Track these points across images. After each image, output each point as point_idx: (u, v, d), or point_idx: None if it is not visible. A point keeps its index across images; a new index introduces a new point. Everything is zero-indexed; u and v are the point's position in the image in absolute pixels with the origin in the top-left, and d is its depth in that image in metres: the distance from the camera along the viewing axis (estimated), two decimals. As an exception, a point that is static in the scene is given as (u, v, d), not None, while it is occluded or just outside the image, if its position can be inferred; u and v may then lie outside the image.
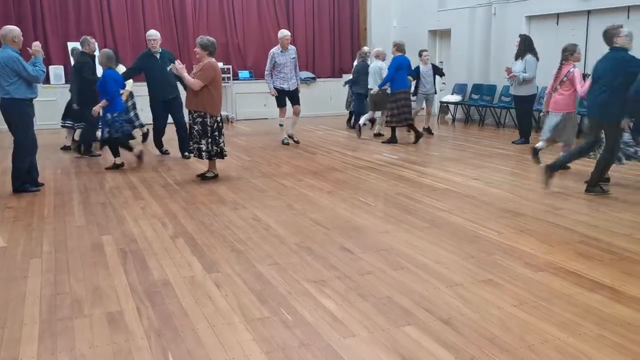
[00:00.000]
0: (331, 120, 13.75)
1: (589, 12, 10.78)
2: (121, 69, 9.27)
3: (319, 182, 7.18)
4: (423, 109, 11.50)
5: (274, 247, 4.71)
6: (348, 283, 3.93)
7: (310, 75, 15.13)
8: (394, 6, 15.56)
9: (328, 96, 14.78)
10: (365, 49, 12.16)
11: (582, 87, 6.96)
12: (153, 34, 9.01)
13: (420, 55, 11.37)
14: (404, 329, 3.25)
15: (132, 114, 9.64)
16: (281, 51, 9.89)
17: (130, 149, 8.15)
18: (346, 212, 5.75)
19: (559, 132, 7.40)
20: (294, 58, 10.01)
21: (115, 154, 8.15)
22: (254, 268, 4.24)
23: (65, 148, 9.89)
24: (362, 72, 11.29)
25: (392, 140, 10.29)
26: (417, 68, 11.17)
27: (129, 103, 9.60)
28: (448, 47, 14.10)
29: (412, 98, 10.71)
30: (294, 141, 10.26)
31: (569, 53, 7.40)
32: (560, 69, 7.37)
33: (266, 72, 10.04)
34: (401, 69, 10.08)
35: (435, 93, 11.49)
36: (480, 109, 12.92)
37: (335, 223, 5.38)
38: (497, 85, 12.58)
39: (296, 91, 10.17)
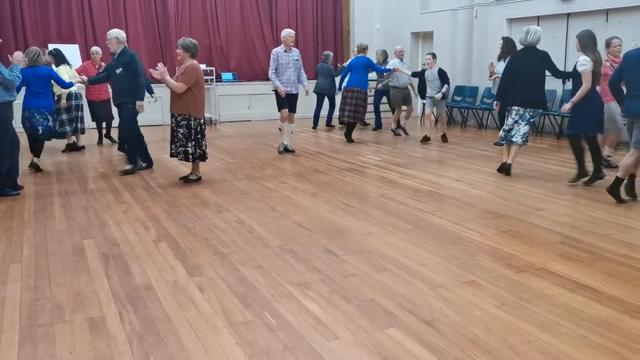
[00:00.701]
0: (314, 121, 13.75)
1: (568, 14, 10.93)
2: (63, 69, 9.22)
3: (302, 184, 7.18)
4: (432, 113, 11.21)
5: (257, 250, 4.69)
6: (332, 285, 3.93)
7: (294, 77, 15.13)
8: (376, 8, 15.63)
9: (311, 98, 14.75)
10: (327, 52, 13.12)
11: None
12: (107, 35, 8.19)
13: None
14: (387, 331, 3.26)
15: (64, 116, 9.43)
16: (285, 51, 9.34)
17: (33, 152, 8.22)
18: (329, 214, 5.76)
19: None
20: (297, 60, 9.42)
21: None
22: (238, 271, 4.22)
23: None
24: (320, 73, 12.54)
25: (348, 137, 10.83)
26: (423, 71, 11.06)
27: (62, 104, 9.35)
28: (431, 49, 14.16)
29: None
30: (290, 150, 9.59)
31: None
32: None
33: (270, 72, 9.35)
34: (355, 69, 10.67)
35: (444, 98, 10.92)
36: (462, 110, 13.02)
37: (318, 225, 5.38)
38: (479, 87, 12.70)
39: (296, 97, 9.54)
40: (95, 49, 10.59)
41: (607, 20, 10.17)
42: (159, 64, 7.14)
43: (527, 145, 7.81)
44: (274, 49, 9.53)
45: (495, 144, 9.79)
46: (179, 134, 7.06)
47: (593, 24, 10.02)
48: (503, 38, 10.24)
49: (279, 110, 9.50)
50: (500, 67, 9.94)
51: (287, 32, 9.52)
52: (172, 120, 7.15)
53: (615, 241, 4.80)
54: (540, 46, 7.45)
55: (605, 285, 3.86)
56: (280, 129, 9.73)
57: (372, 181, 7.40)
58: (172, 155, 7.24)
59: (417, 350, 3.03)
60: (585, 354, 2.97)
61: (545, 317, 3.40)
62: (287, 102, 9.40)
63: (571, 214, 5.68)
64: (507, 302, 3.63)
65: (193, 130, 7.05)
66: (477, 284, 3.94)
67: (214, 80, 14.04)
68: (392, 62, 11.52)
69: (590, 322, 3.33)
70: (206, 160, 7.40)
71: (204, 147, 7.22)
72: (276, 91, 9.33)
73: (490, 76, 10.33)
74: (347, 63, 11.66)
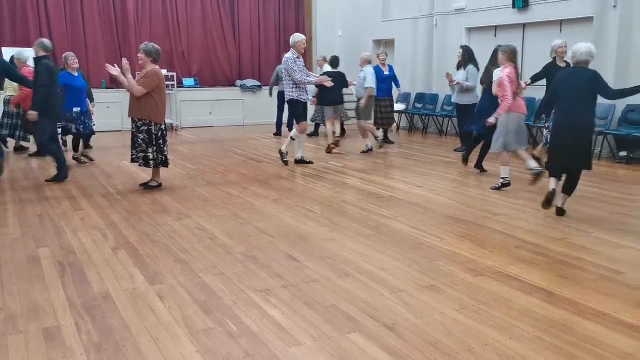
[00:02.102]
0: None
1: (524, 25, 11.23)
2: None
3: (265, 190, 7.16)
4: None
5: (219, 257, 4.66)
6: (294, 292, 3.93)
7: (256, 83, 15.09)
8: (339, 15, 15.75)
9: (274, 104, 14.75)
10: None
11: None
12: None
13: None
14: (349, 336, 3.28)
15: (5, 120, 9.64)
16: (297, 57, 8.67)
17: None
18: (292, 221, 5.75)
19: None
20: (304, 67, 8.89)
21: None
22: (199, 278, 4.18)
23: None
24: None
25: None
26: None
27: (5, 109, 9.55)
28: (392, 56, 14.35)
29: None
30: (283, 161, 8.94)
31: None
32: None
33: (303, 77, 8.59)
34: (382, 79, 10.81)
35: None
36: (423, 117, 13.21)
37: (281, 231, 5.37)
38: (440, 94, 12.91)
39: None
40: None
41: (560, 31, 10.49)
42: (123, 59, 7.03)
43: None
44: (286, 55, 8.73)
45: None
46: (139, 140, 6.95)
47: (547, 34, 10.35)
48: (462, 47, 10.45)
49: (299, 122, 8.77)
50: (460, 75, 10.16)
51: (302, 38, 8.78)
52: (132, 126, 7.04)
53: (569, 245, 4.94)
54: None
55: (560, 288, 3.96)
56: (292, 138, 8.91)
57: (334, 187, 7.43)
58: (132, 160, 7.13)
59: (378, 355, 3.06)
60: (541, 355, 3.05)
61: (503, 320, 3.47)
62: (305, 112, 8.92)
63: (527, 218, 5.82)
64: (466, 305, 3.69)
65: (154, 136, 6.96)
66: (437, 288, 4.00)
67: (175, 85, 13.88)
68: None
69: (545, 324, 3.41)
70: (168, 166, 7.31)
71: (165, 153, 7.13)
72: (299, 101, 8.72)
73: (451, 84, 10.43)
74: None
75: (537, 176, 6.74)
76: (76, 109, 8.74)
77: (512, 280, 4.12)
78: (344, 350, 3.11)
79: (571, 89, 5.67)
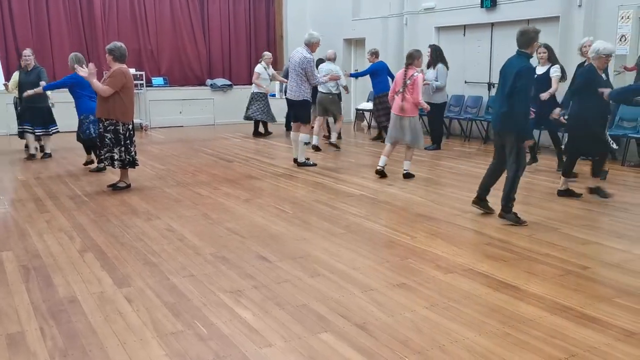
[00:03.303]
0: (249, 127, 13.63)
1: (492, 24, 11.37)
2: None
3: (235, 190, 7.11)
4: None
5: (188, 258, 4.60)
6: (265, 292, 3.90)
7: (227, 82, 14.98)
8: (309, 14, 15.71)
9: (245, 103, 14.66)
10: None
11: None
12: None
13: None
14: (320, 336, 3.27)
15: None
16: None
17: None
18: (263, 220, 5.72)
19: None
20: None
21: None
22: (168, 280, 4.12)
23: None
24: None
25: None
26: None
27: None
28: (363, 55, 14.38)
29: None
30: (311, 165, 8.75)
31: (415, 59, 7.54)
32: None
33: (318, 79, 8.68)
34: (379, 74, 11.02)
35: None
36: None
37: (251, 232, 5.33)
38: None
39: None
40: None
41: (528, 30, 10.65)
42: (90, 63, 6.92)
43: (455, 150, 8.02)
44: (304, 54, 8.34)
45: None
46: (106, 140, 6.83)
47: (515, 33, 10.48)
48: (430, 46, 10.53)
49: (307, 123, 8.73)
50: (430, 74, 10.23)
51: (319, 37, 8.55)
52: (99, 125, 6.92)
53: (535, 241, 5.02)
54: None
55: (527, 284, 4.02)
56: (306, 143, 8.85)
57: (305, 186, 7.42)
58: (99, 161, 7.00)
59: (349, 354, 3.06)
60: (509, 351, 3.08)
61: (472, 316, 3.51)
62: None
63: (496, 216, 5.88)
64: (437, 302, 3.71)
65: (121, 136, 6.85)
66: (408, 286, 4.01)
67: (144, 84, 13.69)
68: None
69: (514, 320, 3.46)
70: (136, 166, 7.20)
71: (133, 153, 7.02)
72: (309, 101, 8.61)
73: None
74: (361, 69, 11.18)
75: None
76: None
77: (481, 277, 4.16)
78: (314, 350, 3.10)
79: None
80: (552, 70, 7.92)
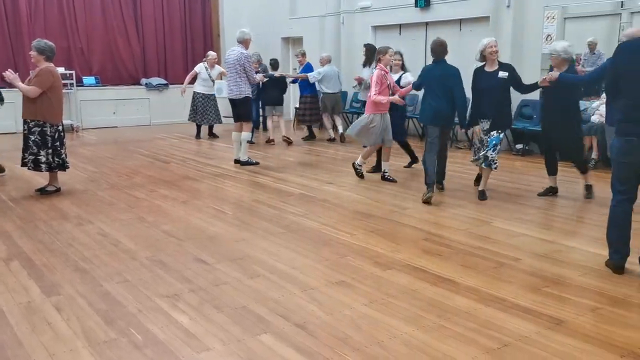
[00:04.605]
0: (186, 127, 13.39)
1: (427, 23, 11.61)
2: None
3: (172, 192, 6.95)
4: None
5: (123, 263, 4.45)
6: (202, 295, 3.83)
7: (163, 81, 14.64)
8: (246, 12, 15.56)
9: (182, 103, 14.38)
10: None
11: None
12: None
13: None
14: (259, 337, 3.23)
15: None
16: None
17: None
18: (201, 222, 5.62)
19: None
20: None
21: None
22: (101, 287, 3.97)
23: None
24: None
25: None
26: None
27: None
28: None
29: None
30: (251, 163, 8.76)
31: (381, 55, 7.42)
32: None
33: (256, 77, 9.04)
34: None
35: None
36: (345, 114, 13.33)
37: (189, 234, 5.22)
38: (348, 91, 13.09)
39: (233, 103, 8.74)
40: None
41: (460, 29, 10.95)
42: (8, 70, 6.59)
43: (394, 148, 8.08)
44: (242, 52, 8.40)
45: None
46: (30, 142, 6.53)
47: (448, 32, 10.75)
48: (365, 45, 10.64)
49: (250, 120, 8.92)
50: (366, 73, 10.32)
51: (250, 32, 8.71)
52: (24, 127, 6.60)
53: (471, 235, 5.15)
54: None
55: (463, 277, 4.12)
56: (251, 142, 9.09)
57: (244, 186, 7.34)
58: (23, 164, 6.67)
59: (288, 354, 3.03)
60: (446, 344, 3.14)
61: (410, 311, 3.56)
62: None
63: (433, 211, 6.02)
64: (375, 299, 3.75)
65: (49, 138, 6.56)
66: (347, 283, 4.03)
67: (74, 84, 13.18)
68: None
69: (450, 313, 3.53)
70: (66, 169, 6.91)
71: (63, 156, 6.74)
72: (250, 98, 8.79)
73: (360, 85, 10.53)
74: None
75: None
76: None
77: (419, 272, 4.23)
78: (254, 352, 3.06)
79: None
80: (404, 76, 7.90)
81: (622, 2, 8.73)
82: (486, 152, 6.41)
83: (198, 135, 11.91)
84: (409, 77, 7.85)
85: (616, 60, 4.15)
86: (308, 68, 11.33)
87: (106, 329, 3.33)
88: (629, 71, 3.96)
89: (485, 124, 6.43)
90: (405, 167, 8.40)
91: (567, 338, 3.20)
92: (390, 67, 7.78)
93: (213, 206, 6.25)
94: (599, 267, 4.29)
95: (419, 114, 7.56)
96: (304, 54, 11.62)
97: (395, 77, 7.80)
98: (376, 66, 7.43)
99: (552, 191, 6.61)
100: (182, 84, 12.20)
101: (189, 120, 11.97)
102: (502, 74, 6.32)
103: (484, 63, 6.46)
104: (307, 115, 11.43)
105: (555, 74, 6.05)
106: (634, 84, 3.93)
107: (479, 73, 6.48)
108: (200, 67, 11.79)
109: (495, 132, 6.39)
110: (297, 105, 11.54)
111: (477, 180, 6.92)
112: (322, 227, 5.45)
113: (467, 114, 6.71)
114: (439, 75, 6.58)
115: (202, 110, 11.71)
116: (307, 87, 11.33)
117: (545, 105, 6.54)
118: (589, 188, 6.52)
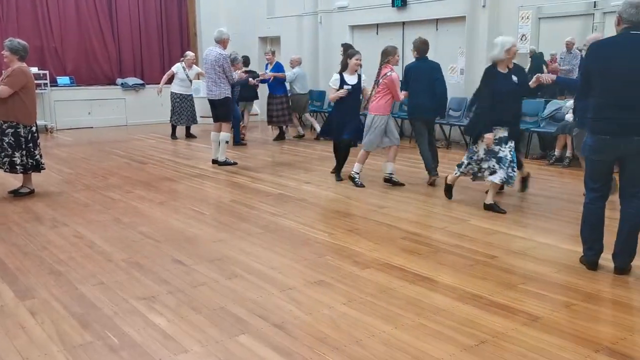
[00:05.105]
0: (163, 128, 13.27)
1: (404, 23, 11.68)
2: None
3: (149, 193, 6.88)
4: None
5: (99, 266, 4.40)
6: (180, 297, 3.80)
7: (139, 81, 14.49)
8: (223, 12, 15.45)
9: (159, 103, 14.24)
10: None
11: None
12: None
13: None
14: (237, 338, 3.21)
15: None
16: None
17: None
18: (179, 223, 5.57)
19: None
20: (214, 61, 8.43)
21: None
22: (76, 290, 3.92)
23: None
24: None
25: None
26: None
27: None
28: (279, 54, 14.36)
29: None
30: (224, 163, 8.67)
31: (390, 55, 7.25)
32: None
33: (235, 76, 8.80)
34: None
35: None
36: (311, 114, 13.33)
37: (166, 235, 5.18)
38: (326, 91, 13.09)
39: (213, 104, 8.62)
40: None
41: (437, 29, 11.03)
42: None
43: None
44: (220, 52, 8.30)
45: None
46: (4, 143, 6.40)
47: (425, 32, 10.82)
48: (342, 45, 10.64)
49: (230, 121, 8.78)
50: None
51: (227, 32, 8.58)
52: (-3, 129, 6.48)
53: (448, 233, 5.20)
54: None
55: (440, 275, 4.15)
56: (227, 142, 8.83)
57: (222, 187, 7.30)
58: (-1, 166, 6.55)
59: (267, 355, 3.03)
60: (424, 342, 3.16)
61: (388, 310, 3.57)
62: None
63: (411, 210, 6.05)
64: (354, 298, 3.76)
65: (23, 139, 6.45)
66: (325, 283, 4.03)
67: (48, 84, 12.97)
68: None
69: (428, 311, 3.55)
70: (41, 171, 6.80)
71: (37, 157, 6.63)
72: (230, 98, 8.70)
73: None
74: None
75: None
76: None
77: (397, 271, 4.25)
78: (232, 353, 3.05)
79: None
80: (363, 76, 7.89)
81: (595, 2, 8.88)
82: (506, 169, 5.72)
83: (174, 135, 11.80)
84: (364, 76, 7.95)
85: (588, 59, 4.22)
86: (278, 67, 11.31)
87: (82, 332, 3.29)
88: (600, 70, 4.03)
89: (500, 132, 5.74)
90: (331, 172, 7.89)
91: (542, 334, 3.25)
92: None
93: (191, 207, 6.21)
94: (574, 263, 4.36)
95: (408, 110, 7.81)
96: (273, 53, 11.62)
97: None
98: (384, 67, 7.06)
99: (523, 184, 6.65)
100: (159, 83, 12.09)
101: (170, 121, 11.84)
102: (514, 78, 5.78)
103: (493, 63, 5.84)
104: (280, 115, 11.35)
105: (552, 76, 5.92)
106: (606, 83, 4.00)
107: (495, 74, 5.75)
108: (177, 67, 11.68)
109: (511, 143, 5.78)
110: (268, 106, 11.44)
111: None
112: (300, 226, 5.44)
113: (475, 119, 6.08)
114: (425, 69, 7.09)
115: (179, 111, 11.61)
116: (278, 88, 11.22)
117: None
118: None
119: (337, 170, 7.58)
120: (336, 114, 7.41)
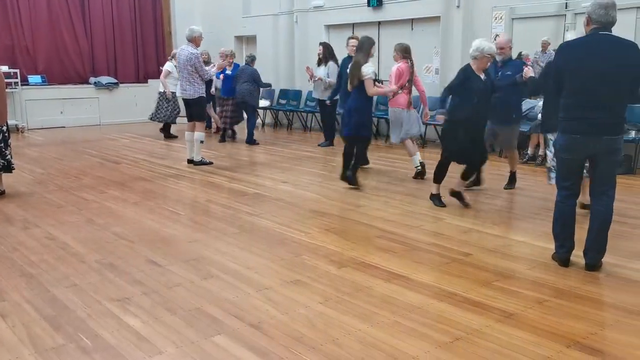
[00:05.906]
0: (137, 127, 13.14)
1: (379, 22, 11.73)
2: None
3: (123, 193, 6.80)
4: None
5: (71, 267, 4.33)
6: (155, 298, 3.76)
7: (112, 80, 14.30)
8: (198, 10, 15.36)
9: (133, 102, 14.11)
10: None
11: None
12: None
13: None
14: (213, 339, 3.19)
15: None
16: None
17: None
18: (153, 223, 5.51)
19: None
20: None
21: None
22: (48, 292, 3.85)
23: None
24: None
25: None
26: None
27: None
28: (254, 53, 14.31)
29: None
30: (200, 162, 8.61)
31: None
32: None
33: (210, 72, 8.78)
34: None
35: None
36: (287, 113, 13.33)
37: (141, 235, 5.12)
38: (303, 90, 13.10)
39: (187, 103, 8.58)
40: None
41: (412, 29, 11.11)
42: None
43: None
44: (192, 51, 8.21)
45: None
46: (-26, 144, 6.28)
47: (400, 32, 10.91)
48: (321, 44, 10.66)
49: (203, 121, 8.78)
50: (321, 71, 10.36)
51: (199, 30, 8.51)
52: (-34, 128, 6.34)
53: (424, 231, 5.24)
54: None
55: (416, 273, 4.18)
56: (202, 141, 8.75)
57: (198, 186, 7.25)
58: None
59: (243, 355, 3.01)
60: (399, 339, 3.18)
61: (364, 308, 3.59)
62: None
63: (387, 209, 6.08)
64: (330, 297, 3.76)
65: (-7, 139, 6.33)
66: (302, 282, 4.03)
67: (19, 83, 12.73)
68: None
69: (403, 309, 3.57)
70: (12, 171, 6.68)
71: (8, 157, 6.51)
72: (204, 97, 8.68)
73: (311, 79, 10.59)
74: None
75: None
76: None
77: (372, 269, 4.27)
78: (207, 354, 3.03)
79: None
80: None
81: (566, 3, 9.03)
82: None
83: (168, 133, 11.67)
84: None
85: (559, 60, 4.29)
86: (236, 68, 11.18)
87: (53, 335, 3.23)
88: (572, 70, 4.09)
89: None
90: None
91: (516, 330, 3.29)
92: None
93: (166, 207, 6.15)
94: (546, 260, 4.43)
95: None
96: (234, 55, 11.45)
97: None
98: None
99: (476, 184, 6.81)
100: (134, 83, 11.93)
101: (159, 120, 11.66)
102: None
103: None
104: (234, 117, 11.20)
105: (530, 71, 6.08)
106: (577, 83, 4.06)
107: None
108: (170, 66, 11.30)
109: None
110: (220, 107, 11.34)
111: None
112: (276, 226, 5.43)
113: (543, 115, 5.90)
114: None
115: (172, 107, 11.36)
116: (230, 90, 11.01)
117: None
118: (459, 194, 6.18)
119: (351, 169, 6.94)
120: (367, 111, 7.00)
